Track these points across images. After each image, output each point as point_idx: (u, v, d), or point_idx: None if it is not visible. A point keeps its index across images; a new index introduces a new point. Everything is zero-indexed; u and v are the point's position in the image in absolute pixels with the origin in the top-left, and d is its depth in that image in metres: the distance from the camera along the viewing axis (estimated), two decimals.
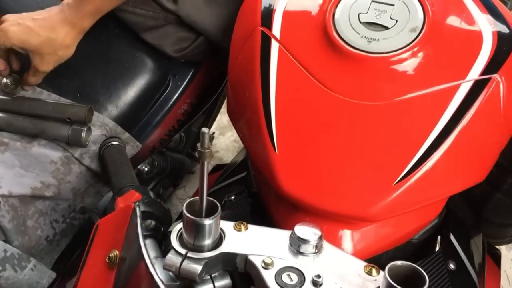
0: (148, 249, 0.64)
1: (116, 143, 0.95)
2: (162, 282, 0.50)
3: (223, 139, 2.22)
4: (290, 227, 0.58)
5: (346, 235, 0.73)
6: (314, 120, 0.73)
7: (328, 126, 0.72)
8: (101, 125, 0.96)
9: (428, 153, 0.68)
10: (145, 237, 0.65)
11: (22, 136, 0.91)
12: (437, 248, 0.83)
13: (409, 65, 0.73)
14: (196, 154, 0.55)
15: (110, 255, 0.58)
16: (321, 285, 0.54)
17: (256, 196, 0.86)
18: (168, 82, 1.10)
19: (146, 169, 1.23)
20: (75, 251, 0.98)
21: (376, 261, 0.58)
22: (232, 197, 0.91)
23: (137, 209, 0.61)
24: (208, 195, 0.55)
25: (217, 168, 1.33)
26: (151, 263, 0.52)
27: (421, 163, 0.67)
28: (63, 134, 0.90)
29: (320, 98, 0.73)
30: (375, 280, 0.55)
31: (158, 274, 0.59)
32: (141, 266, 0.52)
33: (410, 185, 0.67)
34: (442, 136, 0.68)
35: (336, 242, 0.73)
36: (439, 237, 0.84)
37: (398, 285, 0.48)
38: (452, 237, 0.83)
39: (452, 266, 0.79)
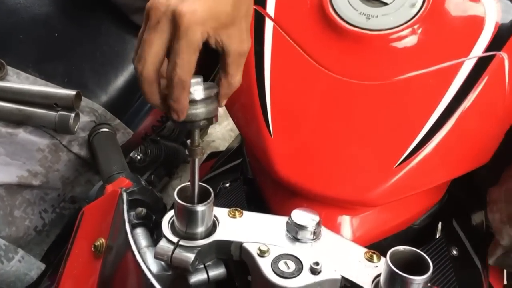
0: (138, 238, 0.63)
1: (106, 129, 0.93)
2: (150, 270, 0.47)
3: (219, 128, 2.19)
4: (287, 214, 0.57)
5: (345, 221, 0.71)
6: (310, 102, 0.71)
7: (325, 107, 0.70)
8: (90, 111, 0.94)
9: (430, 134, 0.66)
10: (135, 225, 0.65)
11: (7, 123, 0.89)
12: (438, 234, 0.81)
13: (409, 42, 0.71)
14: (187, 152, 0.53)
15: (96, 244, 0.56)
16: (319, 272, 0.52)
17: (252, 183, 0.85)
18: None
19: (138, 157, 1.20)
20: (66, 241, 0.96)
21: (376, 247, 0.56)
22: (227, 185, 0.90)
23: (124, 194, 0.58)
24: (202, 182, 0.54)
25: (212, 155, 1.30)
26: (138, 251, 0.49)
27: (423, 145, 0.65)
28: (50, 121, 0.87)
29: (317, 79, 0.71)
30: (376, 267, 0.54)
31: (149, 263, 0.57)
32: (128, 255, 0.50)
33: (411, 167, 0.65)
34: (445, 116, 0.66)
35: (335, 228, 0.71)
36: (440, 223, 0.82)
37: (400, 271, 0.46)
38: (454, 223, 0.82)
39: (454, 252, 0.77)
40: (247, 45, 0.53)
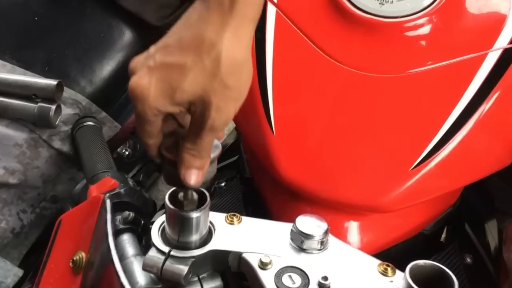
0: (125, 245, 0.60)
1: (91, 123, 0.89)
2: None
3: None
4: (290, 219, 0.54)
5: (352, 227, 0.68)
6: (317, 96, 0.68)
7: (333, 102, 0.67)
8: (73, 103, 0.90)
9: (450, 133, 0.62)
10: (122, 231, 0.61)
11: None
12: (449, 240, 0.79)
13: (427, 31, 0.68)
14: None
15: (75, 258, 0.51)
16: None
17: (249, 182, 0.82)
18: None
19: (126, 152, 1.15)
20: (47, 244, 0.92)
21: (384, 255, 0.54)
22: (222, 184, 0.88)
23: (107, 202, 0.53)
24: None
25: None
26: (126, 267, 0.43)
27: (442, 145, 0.62)
28: (28, 113, 0.84)
29: (324, 70, 0.69)
30: (391, 281, 0.50)
31: (137, 275, 0.53)
32: (111, 272, 0.44)
33: (429, 170, 0.62)
34: (467, 113, 0.63)
35: (340, 235, 0.67)
36: (452, 229, 0.80)
37: None
38: (467, 228, 0.80)
39: (468, 260, 0.75)
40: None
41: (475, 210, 0.83)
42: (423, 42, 0.67)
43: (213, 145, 0.49)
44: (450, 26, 0.67)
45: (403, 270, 0.47)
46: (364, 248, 0.65)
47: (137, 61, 0.46)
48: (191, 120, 0.46)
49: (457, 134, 0.62)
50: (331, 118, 0.66)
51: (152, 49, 0.45)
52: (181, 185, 0.47)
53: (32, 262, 0.90)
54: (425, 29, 0.67)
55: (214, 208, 0.57)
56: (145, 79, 0.44)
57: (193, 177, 0.47)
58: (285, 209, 0.69)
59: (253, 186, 0.79)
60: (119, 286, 0.42)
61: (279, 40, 0.71)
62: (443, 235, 0.79)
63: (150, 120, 0.45)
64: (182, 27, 0.45)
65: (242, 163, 0.86)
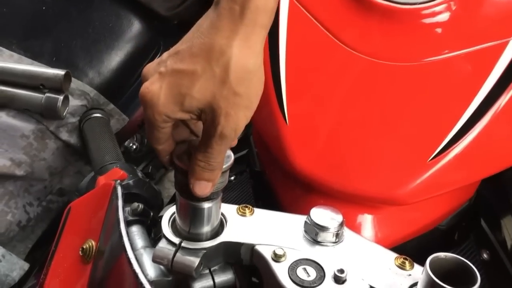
0: (134, 237, 0.58)
1: (99, 115, 0.89)
2: (149, 281, 0.40)
3: None
4: (302, 213, 0.53)
5: (367, 221, 0.67)
6: (331, 85, 0.67)
7: (349, 91, 0.66)
8: (81, 94, 0.89)
9: (470, 123, 0.61)
10: (131, 222, 0.61)
11: None
12: (464, 236, 0.77)
13: (445, 18, 0.67)
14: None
15: (84, 246, 0.50)
16: (344, 281, 0.48)
17: (259, 176, 0.81)
18: (159, 47, 1.03)
19: (134, 146, 1.14)
20: (53, 238, 0.91)
21: (399, 250, 0.52)
22: (232, 178, 0.87)
23: (118, 188, 0.51)
24: None
25: None
26: (136, 258, 0.42)
27: (461, 136, 0.61)
28: (36, 103, 0.84)
29: (338, 58, 0.68)
30: (409, 275, 0.49)
31: (146, 267, 0.52)
32: (123, 262, 0.44)
33: (447, 162, 0.61)
34: (486, 103, 0.62)
35: (354, 228, 0.66)
36: (468, 224, 0.77)
37: (444, 282, 0.42)
38: (483, 223, 0.78)
39: (485, 256, 0.74)
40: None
41: (491, 206, 0.81)
42: (441, 30, 0.66)
43: (225, 155, 0.48)
44: (469, 13, 0.66)
45: (420, 265, 0.46)
46: (379, 242, 0.62)
47: (150, 67, 0.47)
48: (203, 129, 0.46)
49: (476, 125, 0.61)
50: (346, 108, 0.65)
51: (165, 55, 0.46)
52: (191, 194, 0.47)
53: (38, 257, 0.90)
54: (443, 16, 0.66)
55: (224, 202, 0.56)
56: (156, 85, 0.44)
57: (202, 189, 0.47)
58: (297, 202, 0.68)
59: (263, 180, 0.79)
60: (131, 274, 0.41)
61: (292, 28, 0.70)
62: (458, 232, 0.77)
63: (159, 126, 0.45)
64: (194, 34, 0.45)
65: (252, 156, 0.86)
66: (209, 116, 0.44)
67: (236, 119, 0.44)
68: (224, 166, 0.47)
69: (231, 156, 0.49)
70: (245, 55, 0.43)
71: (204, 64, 0.43)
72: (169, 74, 0.44)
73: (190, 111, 0.44)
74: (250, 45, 0.43)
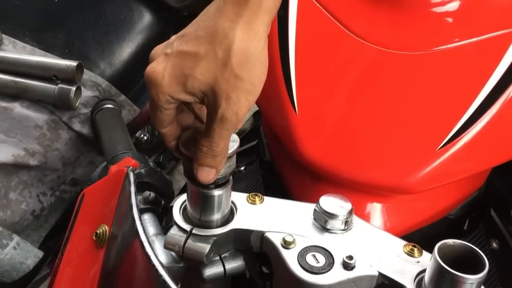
0: (146, 225, 0.60)
1: (111, 106, 0.90)
2: (162, 264, 0.41)
3: None
4: (311, 200, 0.53)
5: (376, 210, 0.66)
6: (341, 74, 0.66)
7: (358, 80, 0.65)
8: (93, 85, 0.90)
9: (480, 111, 0.60)
10: (143, 211, 0.62)
11: (1, 96, 0.85)
12: (473, 226, 0.76)
13: (455, 7, 0.66)
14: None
15: (98, 231, 0.51)
16: (353, 268, 0.48)
17: (269, 166, 0.80)
18: (169, 38, 1.01)
19: (145, 138, 1.15)
20: (66, 227, 0.92)
21: (408, 239, 0.52)
22: (242, 168, 0.87)
23: (131, 174, 0.52)
24: None
25: None
26: (148, 241, 0.43)
27: (470, 124, 0.60)
28: (49, 94, 0.84)
29: (348, 48, 0.67)
30: (418, 262, 0.50)
31: (158, 254, 0.52)
32: (136, 245, 0.45)
33: (457, 150, 0.60)
34: (496, 91, 0.61)
35: (364, 217, 0.66)
36: (478, 214, 0.77)
37: (452, 268, 0.42)
38: (492, 213, 0.77)
39: (495, 245, 0.73)
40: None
41: (501, 195, 0.80)
42: (450, 18, 0.65)
43: (231, 139, 0.48)
44: (479, 1, 0.66)
45: (429, 253, 0.46)
46: (388, 231, 0.61)
47: (157, 48, 0.47)
48: (206, 114, 0.46)
49: (486, 113, 0.60)
50: (355, 97, 0.64)
51: (173, 38, 0.47)
52: (197, 181, 0.47)
53: (51, 246, 0.91)
54: (453, 5, 0.65)
55: (235, 192, 0.57)
56: (161, 65, 0.45)
57: (205, 175, 0.47)
58: (307, 191, 0.68)
59: (273, 170, 0.78)
60: (144, 258, 0.42)
61: (302, 18, 0.70)
62: (468, 222, 0.76)
63: (163, 106, 0.46)
64: (201, 18, 0.45)
65: (262, 147, 0.85)
66: (211, 100, 0.44)
67: (237, 103, 0.44)
68: (230, 151, 0.47)
69: (236, 140, 0.49)
70: (248, 38, 0.43)
71: (207, 46, 0.43)
72: (174, 55, 0.44)
73: (193, 93, 0.45)
74: (253, 28, 0.43)
